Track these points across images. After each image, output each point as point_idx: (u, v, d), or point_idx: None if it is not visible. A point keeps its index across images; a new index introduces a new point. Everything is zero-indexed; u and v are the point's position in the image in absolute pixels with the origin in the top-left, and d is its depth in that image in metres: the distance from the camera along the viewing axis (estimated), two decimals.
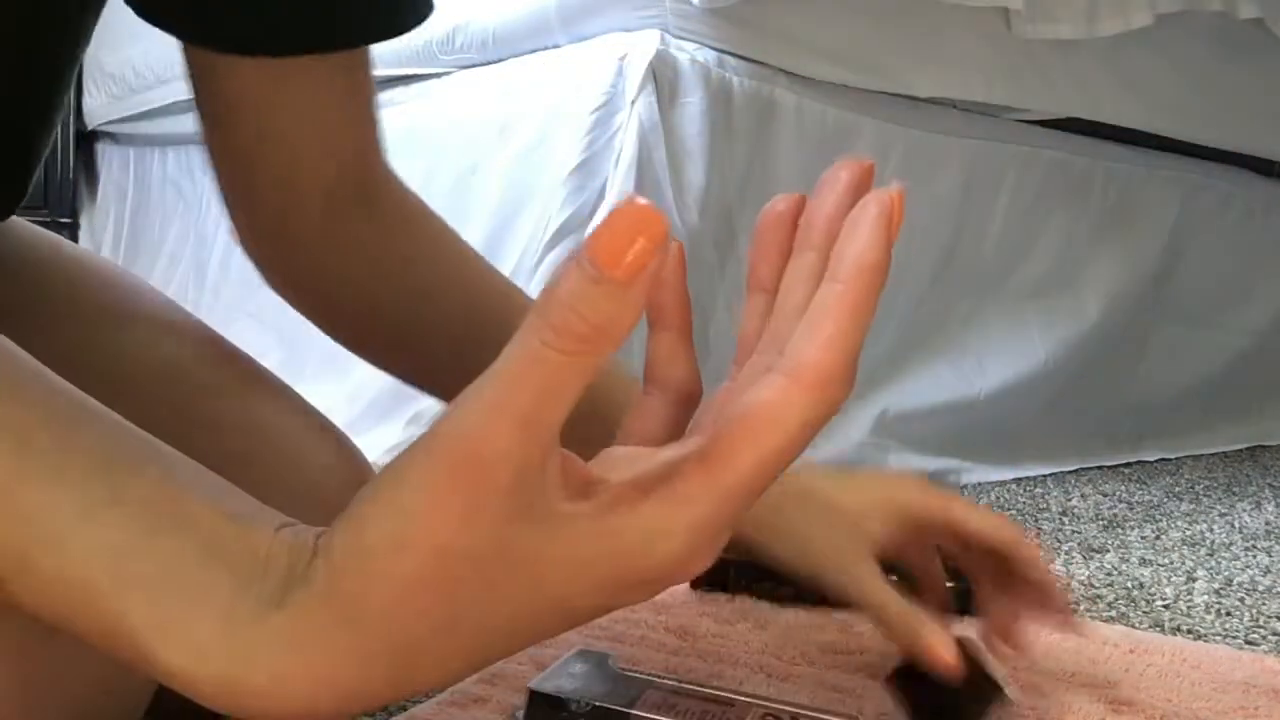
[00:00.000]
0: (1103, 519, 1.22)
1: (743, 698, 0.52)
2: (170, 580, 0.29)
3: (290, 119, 0.55)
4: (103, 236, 2.17)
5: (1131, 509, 1.29)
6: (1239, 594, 0.92)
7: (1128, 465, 1.62)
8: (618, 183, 1.15)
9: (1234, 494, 1.43)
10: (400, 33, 0.56)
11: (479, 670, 0.31)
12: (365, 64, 0.56)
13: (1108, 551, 1.05)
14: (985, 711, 0.57)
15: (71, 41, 0.54)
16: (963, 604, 0.75)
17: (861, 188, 0.32)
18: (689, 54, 1.19)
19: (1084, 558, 1.02)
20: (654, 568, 0.28)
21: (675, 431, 0.35)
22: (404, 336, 0.61)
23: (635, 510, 0.28)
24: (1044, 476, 1.48)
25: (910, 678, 0.56)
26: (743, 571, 0.77)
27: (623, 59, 1.17)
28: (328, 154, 0.56)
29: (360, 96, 0.57)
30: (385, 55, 1.44)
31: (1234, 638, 0.80)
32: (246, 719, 0.30)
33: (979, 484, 1.40)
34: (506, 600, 0.28)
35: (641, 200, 0.24)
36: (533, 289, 1.13)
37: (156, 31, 0.54)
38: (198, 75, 0.55)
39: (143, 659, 0.29)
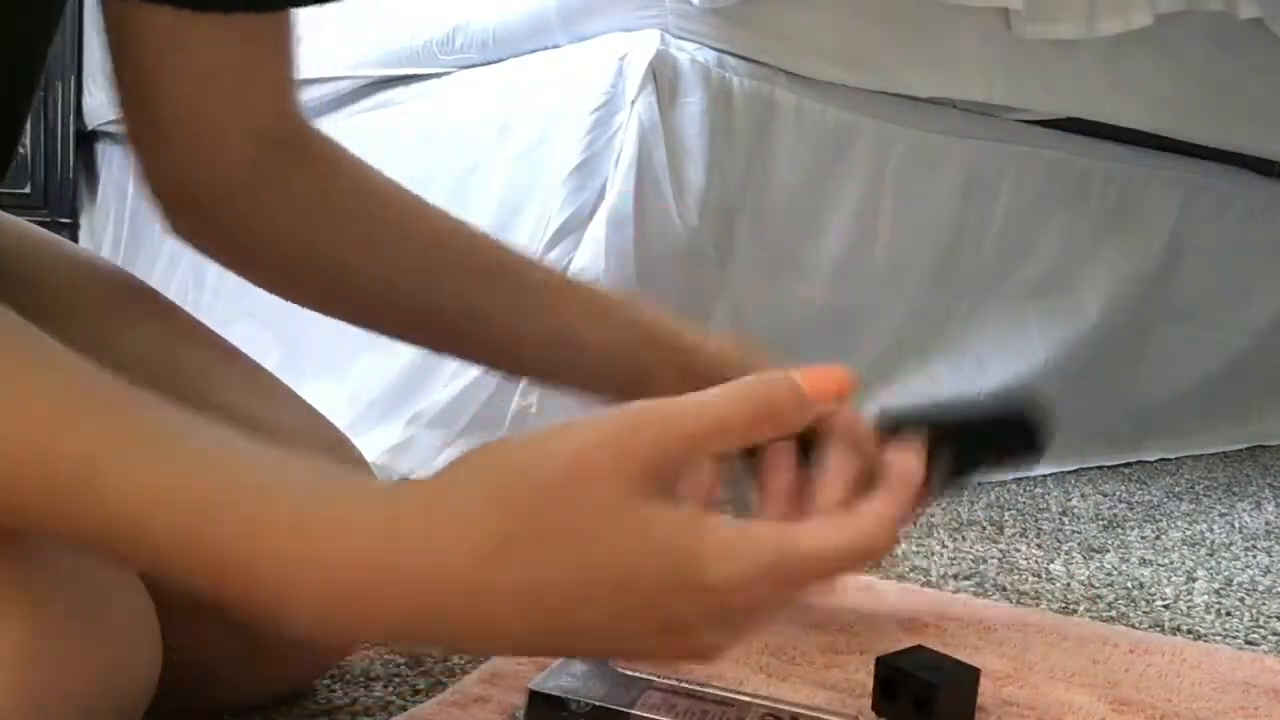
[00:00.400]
0: (1103, 519, 1.22)
1: (743, 698, 0.52)
2: (288, 477, 0.34)
3: (215, 68, 0.56)
4: (103, 236, 2.17)
5: (1131, 509, 1.29)
6: (1239, 594, 0.92)
7: (1128, 465, 1.62)
8: (618, 183, 1.15)
9: (1234, 494, 1.43)
10: None
11: (531, 648, 0.38)
12: (288, 21, 0.58)
13: (1108, 551, 1.05)
14: (960, 713, 0.57)
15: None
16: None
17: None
18: (689, 54, 1.19)
19: (1084, 558, 1.02)
20: (708, 576, 0.35)
21: None
22: (346, 282, 0.62)
23: (717, 527, 0.36)
24: (1044, 476, 1.48)
25: (897, 668, 0.57)
26: None
27: (623, 59, 1.17)
28: (252, 105, 0.58)
29: (282, 53, 0.58)
30: (385, 55, 1.45)
31: (1234, 638, 0.80)
32: (332, 632, 0.36)
33: (979, 484, 1.40)
34: (591, 564, 0.34)
35: (847, 374, 0.39)
36: None
37: None
38: (117, 37, 0.56)
39: (237, 558, 0.32)
